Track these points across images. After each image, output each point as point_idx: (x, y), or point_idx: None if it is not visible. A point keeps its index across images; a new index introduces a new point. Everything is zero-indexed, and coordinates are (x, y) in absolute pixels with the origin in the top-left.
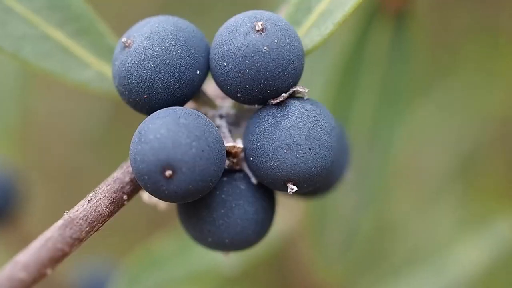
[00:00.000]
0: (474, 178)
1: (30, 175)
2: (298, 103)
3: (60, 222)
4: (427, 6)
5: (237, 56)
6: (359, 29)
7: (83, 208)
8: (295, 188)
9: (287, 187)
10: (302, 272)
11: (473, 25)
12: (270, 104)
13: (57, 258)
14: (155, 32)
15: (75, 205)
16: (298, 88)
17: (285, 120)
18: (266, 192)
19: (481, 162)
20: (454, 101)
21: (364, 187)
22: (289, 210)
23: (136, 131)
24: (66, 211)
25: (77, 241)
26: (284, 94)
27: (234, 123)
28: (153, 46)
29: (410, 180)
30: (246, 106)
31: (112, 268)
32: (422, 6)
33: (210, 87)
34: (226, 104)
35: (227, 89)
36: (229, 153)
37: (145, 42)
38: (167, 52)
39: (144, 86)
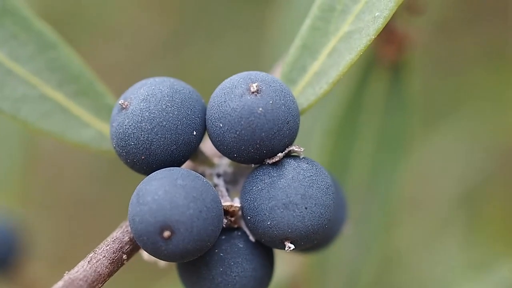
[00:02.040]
0: (479, 210)
1: (34, 215)
2: (294, 162)
3: (60, 284)
4: (430, 36)
5: (233, 117)
6: (356, 81)
7: (83, 269)
8: (292, 246)
9: (284, 246)
10: None
11: (479, 52)
12: (266, 163)
13: None
14: (151, 94)
15: (79, 239)
16: (293, 147)
17: (281, 180)
18: (265, 249)
19: (487, 195)
20: (459, 133)
21: (365, 235)
22: (289, 261)
23: (134, 193)
24: (66, 272)
25: None
26: (280, 154)
27: (231, 181)
28: (150, 108)
29: (415, 213)
30: (243, 165)
31: None
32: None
33: (207, 146)
34: (223, 163)
35: (224, 149)
36: (227, 212)
37: (142, 104)
38: (164, 114)
39: (141, 148)
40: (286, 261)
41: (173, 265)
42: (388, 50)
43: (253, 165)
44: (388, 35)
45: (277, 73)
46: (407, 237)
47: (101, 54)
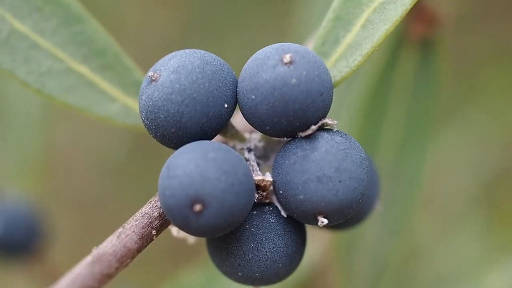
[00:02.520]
0: (497, 202)
1: (52, 207)
2: (327, 135)
3: (89, 258)
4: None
5: (266, 88)
6: (385, 58)
7: (111, 244)
8: (325, 221)
9: (317, 220)
10: None
11: (494, 49)
12: (299, 136)
13: None
14: (182, 65)
15: (95, 234)
16: (327, 120)
17: (315, 153)
18: (297, 225)
19: (504, 187)
20: (476, 125)
21: (391, 217)
22: (315, 240)
23: (164, 166)
24: (95, 247)
25: (106, 277)
26: (313, 126)
27: (262, 156)
28: (180, 80)
29: (434, 205)
30: (274, 139)
31: None
32: (448, 32)
33: (238, 120)
34: (254, 137)
35: (256, 122)
36: (258, 187)
37: (172, 76)
38: (195, 86)
39: (171, 120)
40: (314, 241)
41: (202, 245)
42: (418, 27)
43: (285, 139)
44: (419, 12)
45: (310, 46)
46: (426, 229)
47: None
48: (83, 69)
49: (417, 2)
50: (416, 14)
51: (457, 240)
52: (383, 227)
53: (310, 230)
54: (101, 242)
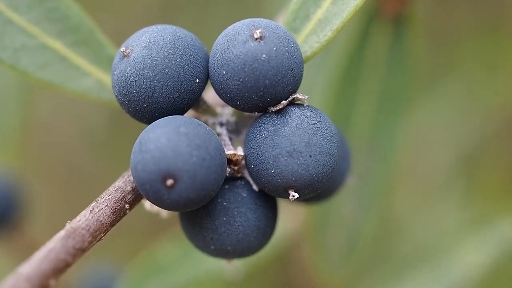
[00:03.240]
0: (477, 174)
1: (32, 179)
2: (298, 110)
3: (62, 233)
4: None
5: (236, 64)
6: (358, 34)
7: (85, 218)
8: (296, 195)
9: (288, 194)
10: (305, 275)
11: (475, 21)
12: (270, 111)
13: (60, 269)
14: (153, 41)
15: (76, 207)
16: (297, 95)
17: (285, 128)
18: (268, 199)
19: (484, 158)
20: (456, 97)
21: (366, 191)
22: (290, 213)
23: (137, 141)
24: (68, 221)
25: (79, 251)
26: (283, 101)
27: (234, 130)
28: (152, 55)
29: (413, 178)
30: (246, 114)
31: (116, 272)
32: (421, 7)
33: (210, 95)
34: (226, 112)
35: (227, 97)
36: (230, 161)
37: (143, 52)
38: (166, 61)
39: (143, 96)
40: (287, 214)
41: (175, 218)
42: (390, 3)
43: (256, 114)
44: None
45: (280, 22)
46: (405, 201)
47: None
48: (57, 45)
49: None
50: None
51: (436, 211)
52: (358, 201)
53: (284, 203)
54: (80, 211)
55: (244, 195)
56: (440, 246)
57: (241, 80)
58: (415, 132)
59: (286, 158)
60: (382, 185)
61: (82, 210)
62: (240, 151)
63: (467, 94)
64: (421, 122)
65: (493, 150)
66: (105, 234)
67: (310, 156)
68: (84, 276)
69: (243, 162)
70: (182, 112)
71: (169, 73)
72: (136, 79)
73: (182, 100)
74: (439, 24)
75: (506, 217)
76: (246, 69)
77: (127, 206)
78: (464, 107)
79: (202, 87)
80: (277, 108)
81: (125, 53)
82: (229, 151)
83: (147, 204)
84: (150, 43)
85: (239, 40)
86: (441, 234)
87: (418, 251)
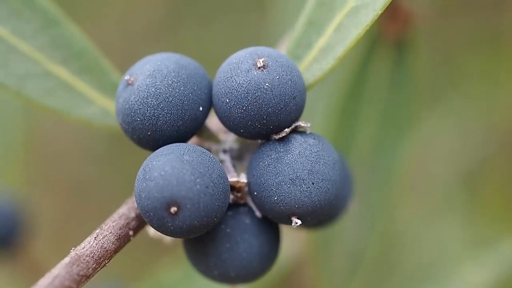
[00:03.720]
0: (479, 191)
1: (34, 193)
2: (301, 137)
3: (67, 260)
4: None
5: (239, 93)
6: (360, 59)
7: (89, 245)
8: (299, 222)
9: (291, 221)
10: None
11: (475, 35)
12: (273, 139)
13: None
14: (157, 70)
15: (79, 219)
16: (300, 123)
17: (288, 155)
18: (271, 225)
19: (486, 175)
20: (457, 114)
21: (368, 212)
22: (293, 236)
23: (141, 168)
24: (72, 248)
25: (84, 278)
26: (286, 129)
27: (237, 157)
28: (155, 84)
29: (415, 194)
30: (249, 140)
31: None
32: (423, 30)
33: (213, 122)
34: (230, 138)
35: (230, 125)
36: (233, 188)
37: (147, 80)
38: (170, 89)
39: (147, 124)
40: (291, 238)
41: (178, 242)
42: (392, 27)
43: (259, 141)
44: (393, 12)
45: (283, 50)
46: (407, 218)
47: (93, 35)
48: (61, 72)
49: (391, 3)
50: (390, 14)
51: (438, 229)
52: (360, 222)
53: (287, 228)
54: (84, 228)
55: (247, 221)
56: (442, 265)
57: (244, 108)
58: (418, 147)
59: (289, 185)
60: (384, 206)
61: (88, 231)
62: (243, 178)
63: (468, 110)
64: (424, 137)
65: (493, 167)
66: (109, 261)
67: (313, 183)
68: None
69: (246, 189)
70: (185, 139)
71: (173, 101)
72: (140, 107)
73: (186, 127)
74: (439, 38)
75: (507, 237)
76: (249, 98)
77: (131, 232)
78: (465, 123)
79: (205, 115)
80: (280, 136)
81: (129, 82)
82: (232, 178)
83: (150, 230)
84: (154, 72)
85: (242, 68)
86: (443, 253)
87: (420, 270)
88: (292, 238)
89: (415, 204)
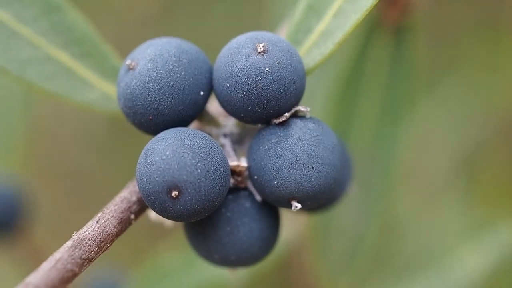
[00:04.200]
0: (477, 175)
1: (35, 181)
2: (301, 122)
3: (69, 243)
4: (427, 3)
5: (240, 77)
6: (359, 45)
7: (91, 229)
8: (299, 206)
9: (291, 205)
10: (306, 281)
11: (474, 20)
12: (273, 123)
13: (67, 279)
14: (158, 54)
15: (80, 205)
16: (300, 107)
17: (288, 139)
18: (271, 209)
19: (484, 161)
20: (456, 100)
21: (367, 198)
22: (292, 220)
23: (142, 153)
24: (75, 232)
25: (86, 262)
26: (286, 113)
27: (238, 141)
28: (157, 68)
29: (413, 179)
30: (249, 125)
31: (120, 275)
32: (421, 12)
33: (214, 106)
34: (230, 123)
35: (231, 109)
36: (234, 172)
37: (149, 65)
38: (171, 74)
39: (149, 108)
40: (290, 222)
41: (179, 225)
42: (391, 13)
43: (259, 125)
44: None
45: (282, 35)
46: (406, 203)
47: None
48: (62, 57)
49: None
50: (389, 0)
51: (437, 214)
52: (359, 208)
53: (286, 210)
54: (84, 215)
55: (248, 205)
56: (441, 250)
57: (244, 93)
58: (416, 133)
59: (289, 169)
60: (383, 192)
61: (88, 218)
62: (243, 162)
63: (466, 96)
64: (422, 123)
65: (491, 153)
66: (111, 244)
67: (313, 167)
68: (90, 280)
69: (247, 173)
70: (186, 124)
71: (174, 86)
72: (141, 92)
73: (187, 112)
74: (438, 24)
75: (506, 221)
76: (249, 82)
77: (132, 216)
78: (464, 108)
79: (206, 99)
80: (280, 120)
81: (131, 66)
82: (232, 162)
83: (152, 214)
84: (155, 56)
85: (242, 53)
86: (441, 238)
87: (419, 255)
88: (292, 222)
89: (413, 190)
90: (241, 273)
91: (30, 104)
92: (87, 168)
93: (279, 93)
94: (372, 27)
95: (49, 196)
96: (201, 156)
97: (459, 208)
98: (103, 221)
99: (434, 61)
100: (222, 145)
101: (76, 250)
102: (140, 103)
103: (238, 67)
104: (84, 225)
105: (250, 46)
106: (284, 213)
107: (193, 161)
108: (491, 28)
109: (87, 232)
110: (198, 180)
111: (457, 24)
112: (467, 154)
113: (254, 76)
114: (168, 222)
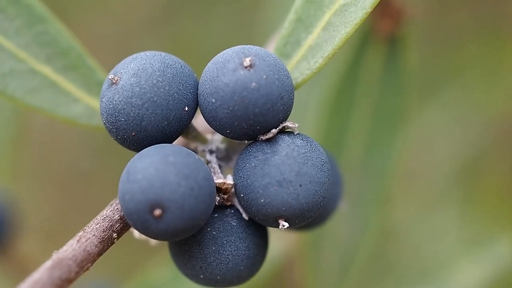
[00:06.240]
0: (476, 184)
1: (25, 194)
2: (288, 138)
3: (48, 263)
4: (427, 8)
5: (226, 92)
6: (352, 55)
7: (72, 248)
8: (286, 225)
9: (278, 224)
10: None
11: (476, 27)
12: (260, 139)
13: None
14: (142, 69)
15: (75, 211)
16: (288, 123)
17: (275, 157)
18: (258, 227)
19: (483, 166)
20: (457, 106)
21: (360, 211)
22: (283, 235)
23: (125, 170)
24: (55, 251)
25: (66, 282)
26: (273, 130)
27: (224, 157)
28: (140, 83)
29: (412, 189)
30: (236, 141)
31: None
32: (416, 22)
33: (199, 122)
34: (216, 139)
35: (216, 125)
36: (220, 189)
37: (132, 79)
38: (155, 89)
39: (131, 124)
40: (280, 238)
41: (164, 243)
42: (384, 23)
43: (246, 142)
44: (384, 8)
45: (271, 48)
46: (404, 211)
47: (90, 27)
48: (46, 70)
49: (380, 1)
50: (382, 11)
51: (435, 220)
52: (352, 221)
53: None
54: (78, 222)
55: (234, 224)
56: (438, 262)
57: (230, 108)
58: (413, 142)
59: (276, 187)
60: (377, 204)
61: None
62: (229, 180)
63: (467, 103)
64: (420, 131)
65: (491, 160)
66: (92, 264)
67: (300, 185)
68: None
69: (233, 190)
70: (171, 140)
71: (157, 101)
72: (124, 107)
73: (171, 128)
74: (439, 29)
75: (503, 233)
76: (235, 98)
77: (115, 235)
78: (465, 114)
79: (191, 115)
80: (267, 136)
81: (114, 81)
82: (218, 179)
83: (135, 232)
84: (138, 71)
85: (228, 68)
86: (439, 250)
87: (416, 267)
88: (282, 237)
89: (412, 200)
90: None
91: (19, 112)
92: (80, 173)
93: (266, 108)
94: (365, 38)
95: (41, 201)
96: (185, 173)
97: (457, 219)
98: (84, 240)
99: (434, 68)
100: (208, 162)
101: (56, 270)
102: (122, 119)
103: (224, 82)
104: (72, 235)
105: (236, 60)
106: (274, 231)
107: (177, 179)
108: (493, 34)
109: (67, 252)
110: (182, 199)
111: (458, 30)
112: (466, 163)
113: (240, 91)
114: (153, 241)
